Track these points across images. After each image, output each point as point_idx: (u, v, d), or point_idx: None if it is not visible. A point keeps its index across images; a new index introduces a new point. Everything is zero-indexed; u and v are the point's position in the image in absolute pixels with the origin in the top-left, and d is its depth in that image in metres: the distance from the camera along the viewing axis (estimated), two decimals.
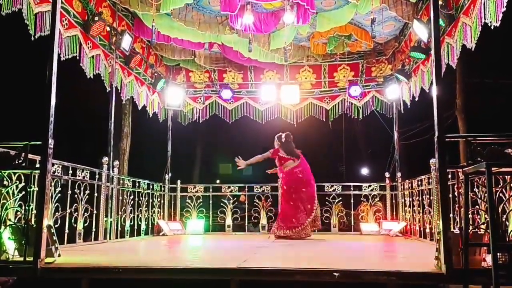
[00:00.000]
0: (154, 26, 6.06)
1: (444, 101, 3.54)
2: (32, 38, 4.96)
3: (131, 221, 7.15)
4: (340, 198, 8.54)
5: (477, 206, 3.98)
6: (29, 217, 3.77)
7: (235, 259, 4.07)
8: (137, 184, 7.47)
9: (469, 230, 3.25)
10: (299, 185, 6.90)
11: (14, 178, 3.92)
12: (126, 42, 6.73)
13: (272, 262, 4.11)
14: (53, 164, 4.71)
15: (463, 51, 5.41)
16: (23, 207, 3.88)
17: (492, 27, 4.58)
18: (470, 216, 3.80)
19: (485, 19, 4.64)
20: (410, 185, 7.37)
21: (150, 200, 7.94)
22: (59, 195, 5.07)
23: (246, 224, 8.77)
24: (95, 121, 10.72)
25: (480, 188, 3.88)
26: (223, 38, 7.44)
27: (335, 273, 3.29)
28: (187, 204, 8.72)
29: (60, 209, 5.19)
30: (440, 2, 5.23)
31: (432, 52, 3.56)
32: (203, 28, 6.91)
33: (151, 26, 6.23)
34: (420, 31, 6.03)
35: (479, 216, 4.06)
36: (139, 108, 8.21)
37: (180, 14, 6.68)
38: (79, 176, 5.68)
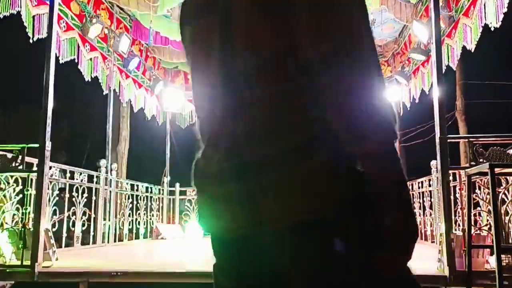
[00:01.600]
0: (151, 28, 6.02)
1: (444, 102, 3.51)
2: (31, 41, 4.92)
3: (129, 225, 7.10)
4: None
5: (479, 208, 3.95)
6: (26, 221, 3.72)
7: None
8: (135, 187, 7.42)
9: (472, 232, 3.22)
10: None
11: (11, 181, 3.88)
12: (124, 44, 6.69)
13: None
14: (50, 167, 4.66)
15: (463, 52, 5.39)
16: (20, 211, 3.84)
17: (492, 28, 4.56)
18: (472, 217, 3.78)
19: (485, 20, 4.61)
20: (410, 186, 7.33)
21: (149, 203, 7.89)
22: (57, 198, 5.03)
23: None
24: (93, 124, 10.69)
25: (482, 189, 3.85)
26: None
27: None
28: (186, 207, 8.66)
29: (57, 212, 5.14)
30: (440, 3, 5.22)
31: (433, 53, 3.54)
32: None
33: (149, 28, 6.21)
34: (420, 32, 6.01)
35: (481, 218, 4.02)
36: (135, 110, 8.16)
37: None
38: (77, 179, 5.63)
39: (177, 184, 8.82)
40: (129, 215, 7.10)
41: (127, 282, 3.53)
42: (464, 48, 5.25)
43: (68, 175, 5.43)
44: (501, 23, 4.42)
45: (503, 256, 2.90)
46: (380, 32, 7.38)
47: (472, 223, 3.36)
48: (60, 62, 5.42)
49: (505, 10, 4.34)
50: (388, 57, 8.36)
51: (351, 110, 0.84)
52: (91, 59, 6.22)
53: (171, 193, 8.75)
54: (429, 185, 6.22)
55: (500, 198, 3.22)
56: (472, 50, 5.11)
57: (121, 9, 6.58)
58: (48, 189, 4.64)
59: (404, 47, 7.53)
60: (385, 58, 8.45)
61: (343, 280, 0.86)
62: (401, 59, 7.85)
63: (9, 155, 3.78)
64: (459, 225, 3.89)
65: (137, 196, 7.44)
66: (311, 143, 0.88)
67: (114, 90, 6.95)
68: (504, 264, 2.91)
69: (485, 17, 4.62)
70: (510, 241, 3.15)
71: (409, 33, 7.03)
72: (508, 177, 3.43)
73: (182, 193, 8.80)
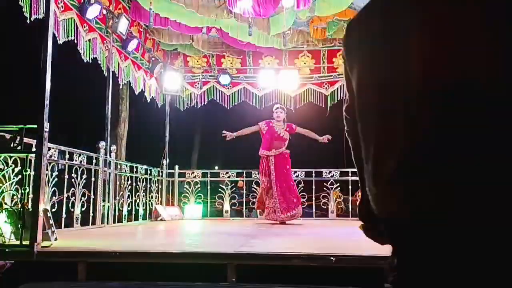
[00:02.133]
0: (151, 9, 5.98)
1: None
2: (28, 21, 4.89)
3: (128, 206, 7.15)
4: (338, 184, 8.55)
5: None
6: (25, 201, 3.75)
7: (232, 244, 4.08)
8: (134, 169, 7.46)
9: None
10: None
11: (10, 161, 3.90)
12: (123, 25, 6.65)
13: (269, 246, 4.11)
14: (49, 149, 4.68)
15: None
16: (19, 191, 3.87)
17: None
18: None
19: None
20: None
21: (148, 185, 7.93)
22: (56, 179, 5.06)
23: (244, 209, 8.79)
24: (92, 106, 10.68)
25: None
26: (222, 23, 7.36)
27: (331, 258, 3.29)
28: (185, 189, 8.72)
29: (57, 193, 5.18)
30: None
31: None
32: (202, 11, 6.84)
33: (148, 9, 6.16)
34: None
35: None
36: (136, 93, 8.15)
37: None
38: (76, 160, 5.66)
39: (176, 167, 8.86)
40: (128, 197, 7.15)
41: (126, 262, 3.58)
42: None
43: (67, 156, 5.45)
44: None
45: None
46: None
47: None
48: (59, 42, 5.40)
49: None
50: None
51: None
52: (89, 40, 6.19)
53: (170, 175, 8.80)
54: None
55: None
56: None
57: None
58: (47, 170, 4.68)
59: None
60: None
61: None
62: None
63: (8, 136, 3.79)
64: None
65: (136, 178, 7.47)
66: None
67: (113, 71, 6.93)
68: None
69: None
70: None
71: None
72: None
73: (181, 175, 8.84)
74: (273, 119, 7.30)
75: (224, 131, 7.33)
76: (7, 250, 3.58)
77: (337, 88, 8.98)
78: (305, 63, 8.97)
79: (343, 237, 5.37)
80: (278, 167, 6.90)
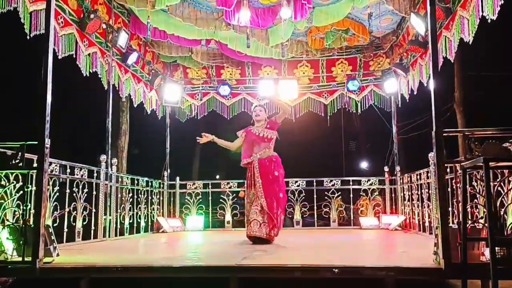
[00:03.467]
0: (149, 23, 6.03)
1: (443, 94, 3.53)
2: (28, 37, 4.93)
3: (130, 219, 7.15)
4: (340, 193, 8.55)
5: (475, 200, 3.98)
6: (27, 217, 3.76)
7: (234, 256, 4.07)
8: (136, 181, 7.46)
9: (468, 225, 3.25)
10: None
11: (11, 178, 3.92)
12: (123, 39, 6.70)
13: (271, 259, 4.10)
14: (50, 163, 4.70)
15: (460, 44, 5.39)
16: (21, 207, 3.88)
17: (489, 20, 4.56)
18: (468, 210, 3.81)
19: (482, 12, 4.62)
20: (409, 179, 7.37)
21: (149, 197, 7.93)
22: (57, 194, 5.07)
23: (246, 220, 8.76)
24: (93, 119, 10.71)
25: (478, 182, 3.87)
26: (220, 35, 7.41)
27: (334, 269, 3.29)
28: (186, 200, 8.72)
29: (58, 208, 5.19)
30: None
31: (430, 46, 3.54)
32: (200, 24, 6.89)
33: (146, 23, 6.21)
34: (418, 24, 6.01)
35: (477, 210, 4.05)
36: (136, 105, 8.18)
37: (177, 10, 6.66)
38: (77, 174, 5.67)
39: (177, 178, 8.86)
40: (129, 209, 7.15)
41: (128, 277, 3.58)
42: (461, 40, 5.25)
43: (68, 170, 5.47)
44: (497, 16, 4.43)
45: (497, 248, 2.94)
46: (378, 25, 7.38)
47: (469, 216, 3.39)
48: (59, 57, 5.44)
49: (502, 2, 4.33)
50: (387, 49, 8.36)
51: None
52: (89, 54, 6.23)
53: (172, 186, 8.80)
54: (427, 177, 6.26)
55: (495, 190, 3.24)
56: (470, 42, 5.11)
57: (119, 3, 6.57)
58: (48, 185, 4.69)
59: (403, 39, 7.52)
60: (383, 50, 8.44)
61: None
62: (399, 51, 7.85)
63: (9, 152, 3.81)
64: (456, 217, 3.92)
65: (137, 190, 7.48)
66: None
67: (113, 85, 6.97)
68: (499, 256, 2.95)
69: (482, 9, 4.62)
70: (505, 233, 3.18)
71: (407, 25, 7.02)
72: (504, 170, 3.46)
73: (182, 186, 8.84)
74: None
75: (202, 134, 5.97)
76: (9, 266, 3.58)
77: (336, 97, 9.02)
78: (304, 73, 9.01)
79: (345, 247, 5.36)
80: (264, 172, 5.56)
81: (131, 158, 10.51)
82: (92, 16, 5.86)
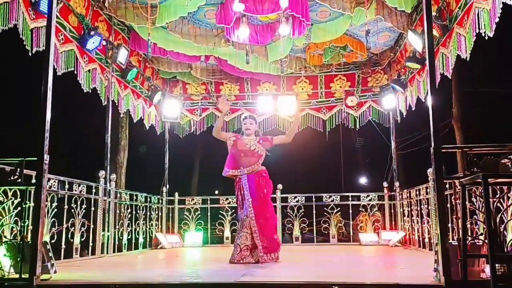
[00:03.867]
0: (149, 40, 6.08)
1: (441, 110, 3.55)
2: (30, 54, 4.96)
3: (128, 235, 7.11)
4: (339, 209, 8.52)
5: (475, 217, 3.97)
6: (25, 234, 3.74)
7: (233, 273, 4.04)
8: (134, 197, 7.44)
9: (468, 241, 3.24)
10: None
11: (10, 194, 3.91)
12: (123, 55, 6.75)
13: (270, 276, 4.07)
14: (49, 179, 4.69)
15: (458, 61, 5.44)
16: (19, 223, 3.86)
17: (486, 37, 4.61)
18: (468, 226, 3.80)
19: (479, 29, 4.67)
20: (408, 194, 7.36)
21: (148, 213, 7.90)
22: (56, 210, 5.05)
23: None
24: (92, 135, 10.71)
25: (477, 198, 3.87)
26: (219, 51, 7.47)
27: (334, 286, 3.26)
28: (185, 216, 8.68)
29: (56, 224, 5.16)
30: (434, 13, 5.27)
31: (427, 63, 3.57)
32: (199, 40, 6.95)
33: (147, 40, 6.26)
34: (415, 41, 6.07)
35: (477, 227, 4.04)
36: (135, 121, 8.21)
37: (176, 27, 6.73)
38: (75, 190, 5.66)
39: (176, 194, 8.84)
40: (128, 225, 7.11)
41: None
42: (458, 56, 5.30)
43: (67, 186, 5.45)
44: (494, 32, 4.48)
45: (498, 265, 2.92)
46: (376, 41, 7.45)
47: (468, 232, 3.38)
48: (58, 74, 5.47)
49: (497, 20, 4.38)
50: (385, 65, 8.42)
51: None
52: (89, 70, 6.27)
53: (170, 202, 8.77)
54: (427, 193, 6.25)
55: (494, 207, 3.24)
56: (467, 59, 5.15)
57: (119, 20, 6.64)
58: (47, 201, 4.67)
59: (400, 55, 7.59)
60: (381, 66, 8.51)
61: None
62: (397, 67, 7.91)
63: (8, 168, 3.80)
64: (456, 234, 3.91)
65: (136, 206, 7.45)
66: None
67: (113, 100, 7.00)
68: (499, 273, 2.93)
69: (479, 26, 4.67)
70: (505, 250, 3.16)
71: (405, 42, 7.09)
72: (502, 186, 3.45)
73: (181, 202, 8.82)
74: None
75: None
76: (6, 284, 3.54)
77: (335, 113, 9.06)
78: (302, 89, 9.06)
79: (345, 263, 5.33)
80: (255, 190, 5.10)
81: (130, 173, 10.48)
82: (92, 33, 5.91)
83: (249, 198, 5.06)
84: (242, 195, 5.15)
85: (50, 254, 3.80)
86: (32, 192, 3.83)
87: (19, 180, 3.72)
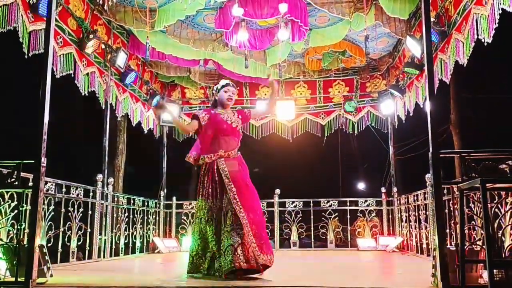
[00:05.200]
0: (148, 43, 6.08)
1: (438, 116, 3.55)
2: (26, 56, 4.96)
3: (125, 239, 7.08)
4: (337, 214, 8.51)
5: (473, 222, 3.97)
6: (21, 237, 3.72)
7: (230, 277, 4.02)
8: (132, 201, 7.42)
9: (465, 247, 3.23)
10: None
11: (6, 197, 3.89)
12: (121, 59, 6.75)
13: (266, 280, 4.05)
14: (46, 182, 4.67)
15: (456, 66, 5.45)
16: (15, 226, 3.84)
17: (486, 43, 4.62)
18: (466, 232, 3.78)
19: (477, 35, 4.68)
20: (406, 200, 7.35)
21: (145, 217, 7.87)
22: (52, 213, 5.03)
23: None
24: (89, 138, 10.70)
25: (475, 204, 3.86)
26: (218, 56, 7.48)
27: None
28: (182, 220, 8.64)
29: (53, 227, 5.14)
30: (432, 19, 5.29)
31: (425, 68, 3.58)
32: (198, 45, 6.96)
33: (145, 43, 6.27)
34: (413, 47, 6.08)
35: (475, 232, 4.03)
36: (134, 124, 8.20)
37: (175, 31, 6.73)
38: (73, 193, 5.64)
39: (174, 198, 8.82)
40: (125, 229, 7.08)
41: None
42: (457, 62, 5.31)
43: (64, 189, 5.44)
44: (492, 38, 4.49)
45: (495, 270, 2.91)
46: (374, 47, 7.47)
47: (466, 238, 3.37)
48: (56, 77, 5.46)
49: (496, 25, 4.40)
50: (383, 71, 8.44)
51: None
52: (88, 74, 6.26)
53: (168, 206, 8.75)
54: (424, 198, 6.25)
55: (492, 212, 3.23)
56: (465, 65, 5.17)
57: (118, 24, 6.64)
58: (44, 204, 4.65)
59: (399, 61, 7.61)
60: (380, 71, 8.53)
61: None
62: (395, 72, 7.93)
63: (5, 171, 3.79)
64: (453, 239, 3.90)
65: (133, 210, 7.43)
66: None
67: (111, 104, 6.99)
68: (497, 278, 2.92)
69: (477, 32, 4.69)
70: (503, 255, 3.15)
71: (403, 47, 7.11)
72: (501, 192, 3.45)
73: (179, 206, 8.79)
74: (218, 106, 4.34)
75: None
76: (2, 287, 3.52)
77: (333, 118, 9.06)
78: (301, 94, 9.07)
79: (343, 268, 5.31)
80: (238, 178, 4.06)
81: (128, 177, 10.46)
82: (91, 36, 5.91)
83: (233, 188, 3.97)
84: (217, 182, 4.07)
85: (47, 257, 3.78)
86: (29, 195, 3.81)
87: (16, 182, 3.71)
